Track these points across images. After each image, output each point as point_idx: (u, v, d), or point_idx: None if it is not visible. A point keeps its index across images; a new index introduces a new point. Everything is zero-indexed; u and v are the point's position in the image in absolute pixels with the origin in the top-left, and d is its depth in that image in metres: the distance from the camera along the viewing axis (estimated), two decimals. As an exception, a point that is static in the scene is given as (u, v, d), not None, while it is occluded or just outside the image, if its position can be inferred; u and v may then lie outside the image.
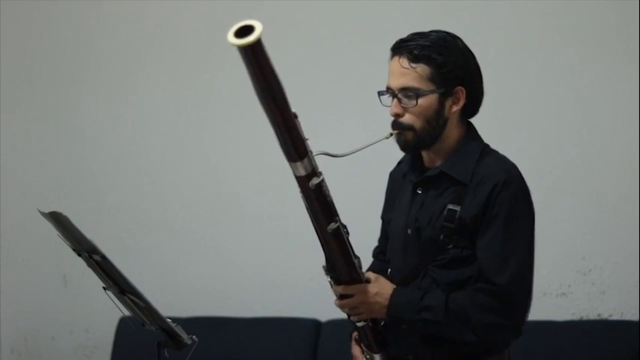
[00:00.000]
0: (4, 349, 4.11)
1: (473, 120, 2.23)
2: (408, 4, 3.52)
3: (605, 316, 3.44)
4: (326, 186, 1.99)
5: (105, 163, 3.98)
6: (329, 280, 2.15)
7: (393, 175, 2.40)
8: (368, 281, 2.15)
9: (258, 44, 1.71)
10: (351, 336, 2.39)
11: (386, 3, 3.57)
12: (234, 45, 1.70)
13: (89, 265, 2.38)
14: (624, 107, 3.38)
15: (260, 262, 3.80)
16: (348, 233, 2.08)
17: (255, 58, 1.74)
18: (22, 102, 4.06)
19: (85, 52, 3.96)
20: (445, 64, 2.10)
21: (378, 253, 2.48)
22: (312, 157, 1.94)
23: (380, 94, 2.18)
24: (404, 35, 2.17)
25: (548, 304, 3.46)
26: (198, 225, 3.86)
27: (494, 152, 2.21)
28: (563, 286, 3.47)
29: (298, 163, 1.92)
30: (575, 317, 3.46)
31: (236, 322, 3.71)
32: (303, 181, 1.96)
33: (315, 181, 1.95)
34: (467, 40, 2.18)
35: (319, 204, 1.99)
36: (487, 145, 2.21)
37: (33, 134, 4.05)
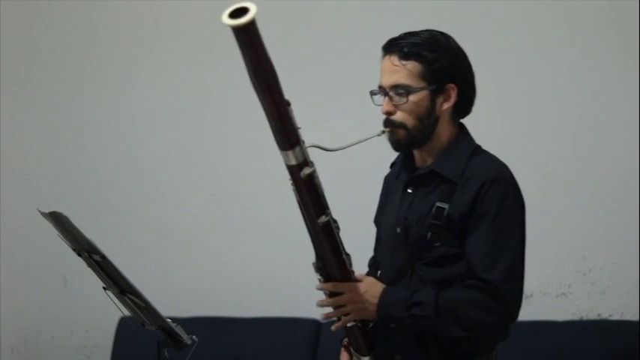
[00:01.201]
0: (4, 349, 4.11)
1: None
2: (408, 4, 3.52)
3: (605, 316, 3.44)
4: (317, 178, 1.96)
5: (105, 162, 3.97)
6: (318, 277, 2.13)
7: (387, 179, 2.38)
8: (358, 281, 2.12)
9: (251, 25, 1.70)
10: (341, 343, 2.37)
11: (385, 3, 3.56)
12: (227, 25, 1.68)
13: (89, 265, 2.37)
14: (624, 107, 3.38)
15: (260, 262, 3.79)
16: (339, 229, 2.06)
17: (249, 39, 1.72)
18: (22, 102, 4.06)
19: (85, 51, 3.96)
20: (435, 60, 2.08)
21: (374, 262, 2.43)
22: (304, 146, 1.91)
23: (372, 93, 2.16)
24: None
25: (548, 304, 3.46)
26: (198, 225, 3.86)
27: (485, 152, 2.19)
28: (563, 286, 3.47)
29: (289, 152, 1.89)
30: (575, 317, 3.46)
31: (236, 322, 3.71)
32: (294, 171, 1.92)
33: (306, 171, 1.92)
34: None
35: (310, 196, 1.97)
36: (478, 146, 2.20)
37: (33, 134, 4.05)
